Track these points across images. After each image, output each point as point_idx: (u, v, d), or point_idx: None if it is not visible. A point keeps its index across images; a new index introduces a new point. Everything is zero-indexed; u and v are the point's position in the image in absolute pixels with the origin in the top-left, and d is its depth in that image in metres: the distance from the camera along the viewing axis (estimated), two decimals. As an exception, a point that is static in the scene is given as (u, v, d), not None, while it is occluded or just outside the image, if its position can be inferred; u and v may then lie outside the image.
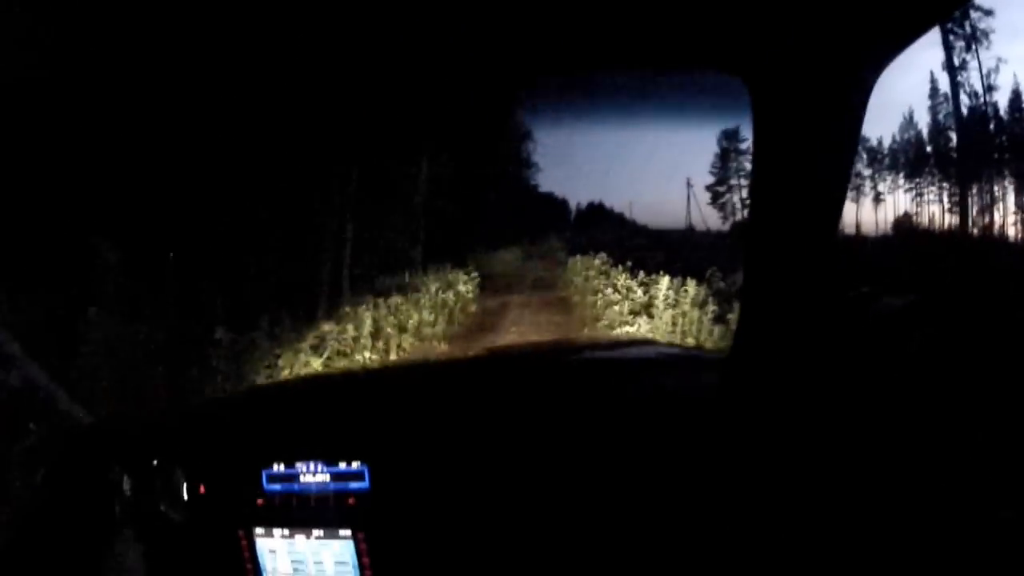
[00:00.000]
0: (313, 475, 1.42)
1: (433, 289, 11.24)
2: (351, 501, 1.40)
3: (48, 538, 1.54)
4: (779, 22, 1.11)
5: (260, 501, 1.45)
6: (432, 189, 12.63)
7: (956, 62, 14.83)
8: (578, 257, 13.88)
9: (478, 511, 1.35)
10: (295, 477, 1.43)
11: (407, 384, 1.89)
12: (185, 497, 1.48)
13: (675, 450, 1.32)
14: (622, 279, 10.93)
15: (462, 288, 11.85)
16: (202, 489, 1.48)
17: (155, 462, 1.50)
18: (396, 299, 10.14)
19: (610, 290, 10.52)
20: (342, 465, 1.41)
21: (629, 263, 11.39)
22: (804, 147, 1.18)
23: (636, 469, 1.31)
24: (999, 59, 14.52)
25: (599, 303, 10.40)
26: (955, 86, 15.00)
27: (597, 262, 12.79)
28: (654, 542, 1.28)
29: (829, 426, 1.27)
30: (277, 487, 1.44)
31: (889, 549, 1.16)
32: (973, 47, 14.63)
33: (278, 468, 1.45)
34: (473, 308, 11.72)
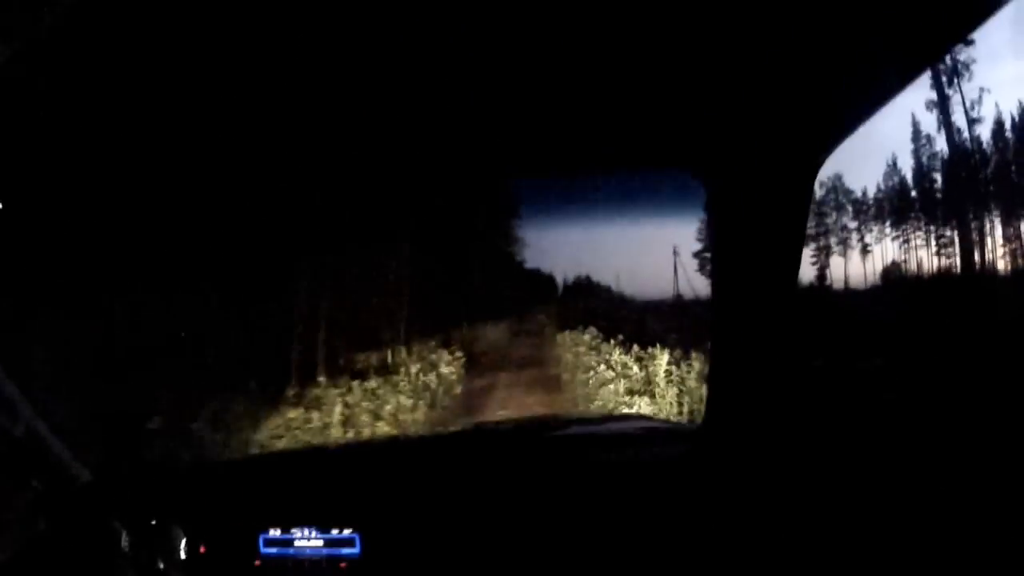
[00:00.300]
0: (307, 540, 1.53)
1: (414, 371, 10.54)
2: (343, 565, 1.51)
3: None
4: (723, 128, 1.28)
5: (257, 563, 1.55)
6: (415, 265, 12.38)
7: (938, 98, 15.19)
8: (567, 333, 13.31)
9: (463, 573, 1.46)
10: (291, 542, 1.54)
11: (398, 455, 1.98)
12: (183, 556, 1.58)
13: (648, 516, 1.43)
14: (616, 354, 10.42)
15: (445, 370, 11.17)
16: (202, 549, 1.58)
17: (153, 521, 1.60)
18: (372, 382, 9.67)
19: (603, 367, 9.88)
20: (335, 532, 1.52)
21: (621, 336, 10.96)
22: (756, 230, 1.33)
23: (613, 534, 1.42)
24: (982, 89, 14.64)
25: (592, 382, 9.73)
26: (947, 120, 15.28)
27: (587, 337, 12.23)
28: None
29: (800, 490, 1.39)
30: (273, 551, 1.54)
31: None
32: (955, 81, 14.89)
33: (274, 533, 1.55)
34: (458, 390, 11.02)
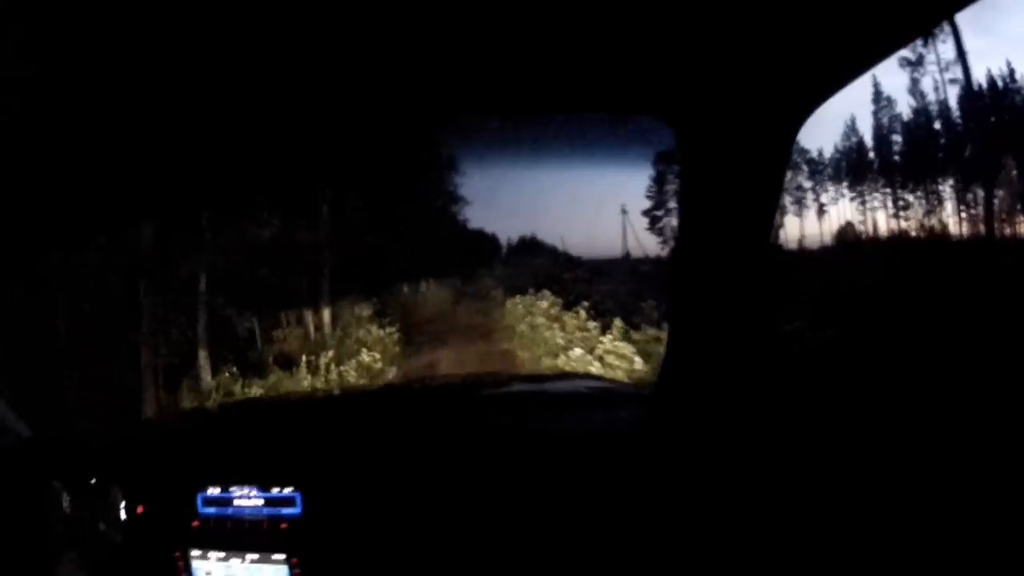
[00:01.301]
0: (247, 499, 1.58)
1: (323, 364, 9.32)
2: (284, 526, 1.55)
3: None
4: (703, 71, 1.24)
5: (196, 523, 1.59)
6: (340, 224, 11.48)
7: (912, 58, 15.36)
8: (518, 299, 12.72)
9: (407, 538, 1.50)
10: (229, 501, 1.58)
11: (339, 412, 2.03)
12: (123, 517, 1.61)
13: (596, 484, 1.46)
14: (587, 328, 9.73)
15: (366, 358, 9.80)
16: (140, 510, 1.61)
17: (93, 480, 1.63)
18: (270, 379, 8.64)
19: (578, 350, 8.99)
20: (275, 491, 1.56)
21: (586, 303, 10.47)
22: (728, 187, 1.34)
23: (564, 500, 1.46)
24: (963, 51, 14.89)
25: (566, 365, 8.63)
26: (915, 82, 15.47)
27: (544, 304, 11.71)
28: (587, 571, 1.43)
29: (752, 459, 1.43)
30: (212, 510, 1.59)
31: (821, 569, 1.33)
32: (929, 42, 15.07)
33: (213, 492, 1.59)
34: (391, 374, 9.75)
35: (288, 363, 9.41)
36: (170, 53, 1.09)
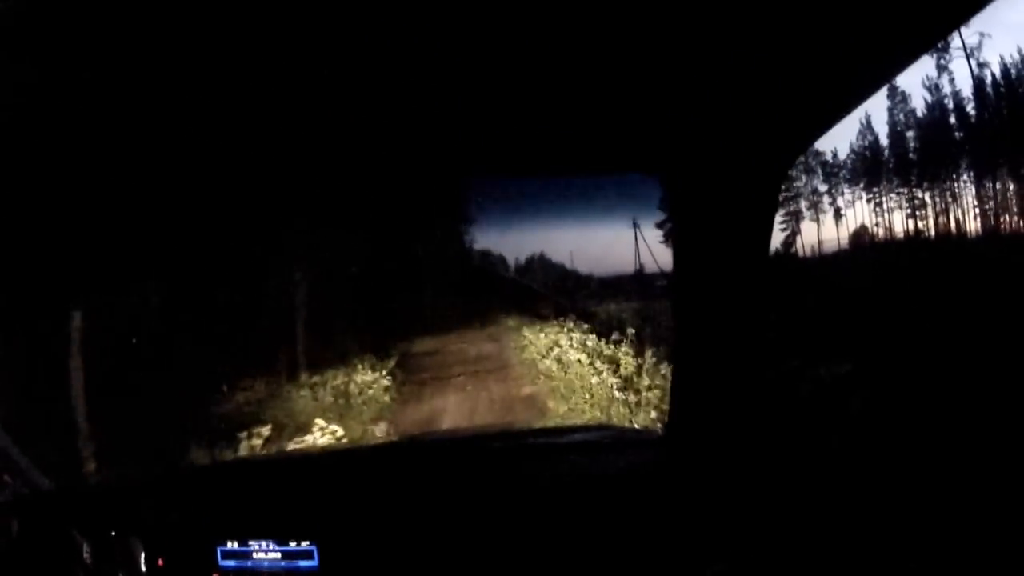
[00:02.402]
0: (265, 553, 1.66)
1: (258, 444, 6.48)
2: None
3: None
4: (686, 128, 1.32)
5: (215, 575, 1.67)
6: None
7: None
8: (539, 330, 10.51)
9: None
10: (248, 554, 1.66)
11: (354, 466, 2.09)
12: (143, 568, 1.70)
13: (615, 525, 1.52)
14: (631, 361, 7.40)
15: (319, 437, 6.36)
16: (160, 562, 1.69)
17: (113, 533, 1.72)
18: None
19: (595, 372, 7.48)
20: (292, 544, 1.64)
21: (631, 331, 7.85)
22: (720, 236, 1.41)
23: (576, 547, 1.52)
24: (982, 34, 14.60)
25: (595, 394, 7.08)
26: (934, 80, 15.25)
27: (577, 336, 9.21)
28: None
29: (759, 499, 1.48)
30: (231, 563, 1.67)
31: None
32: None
33: (232, 545, 1.67)
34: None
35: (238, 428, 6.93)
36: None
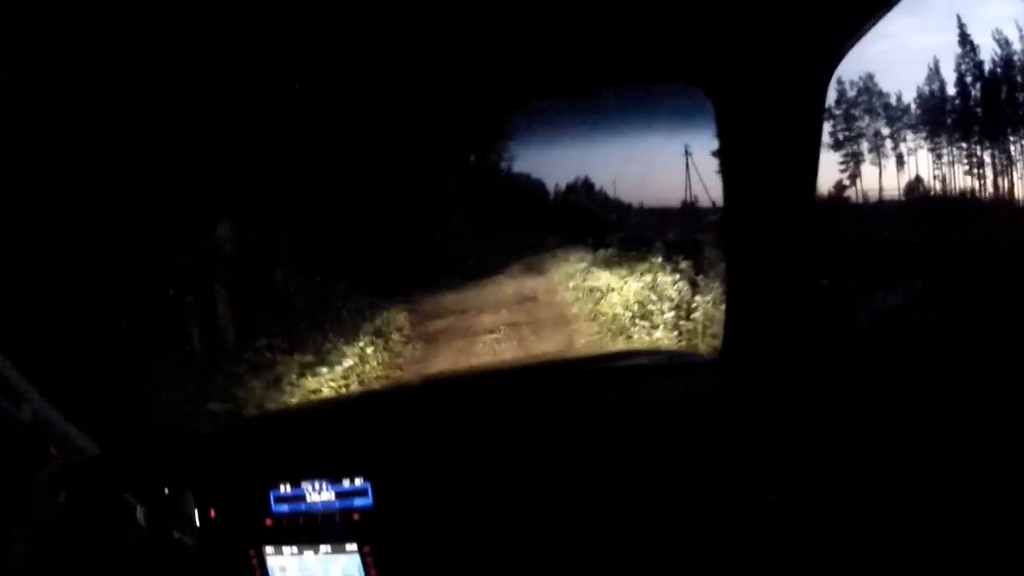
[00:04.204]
0: (319, 494, 1.67)
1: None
2: (356, 517, 1.64)
3: (69, 562, 1.75)
4: (731, 36, 1.30)
5: (269, 522, 1.69)
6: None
7: None
8: (593, 261, 8.74)
9: (479, 522, 1.57)
10: (302, 497, 1.68)
11: (407, 402, 2.10)
12: (197, 522, 1.72)
13: (670, 453, 1.52)
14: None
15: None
16: (212, 514, 1.71)
17: (166, 490, 1.73)
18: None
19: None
20: (346, 483, 1.66)
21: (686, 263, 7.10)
22: (767, 150, 1.38)
23: (632, 475, 1.52)
24: None
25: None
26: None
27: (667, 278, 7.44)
28: (654, 545, 1.50)
29: (823, 422, 1.47)
30: (285, 507, 1.69)
31: (882, 544, 1.36)
32: None
33: (285, 489, 1.69)
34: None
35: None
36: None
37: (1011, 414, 1.39)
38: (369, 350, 7.15)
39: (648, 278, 7.54)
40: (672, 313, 6.66)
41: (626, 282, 7.66)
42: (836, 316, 1.55)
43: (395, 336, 7.59)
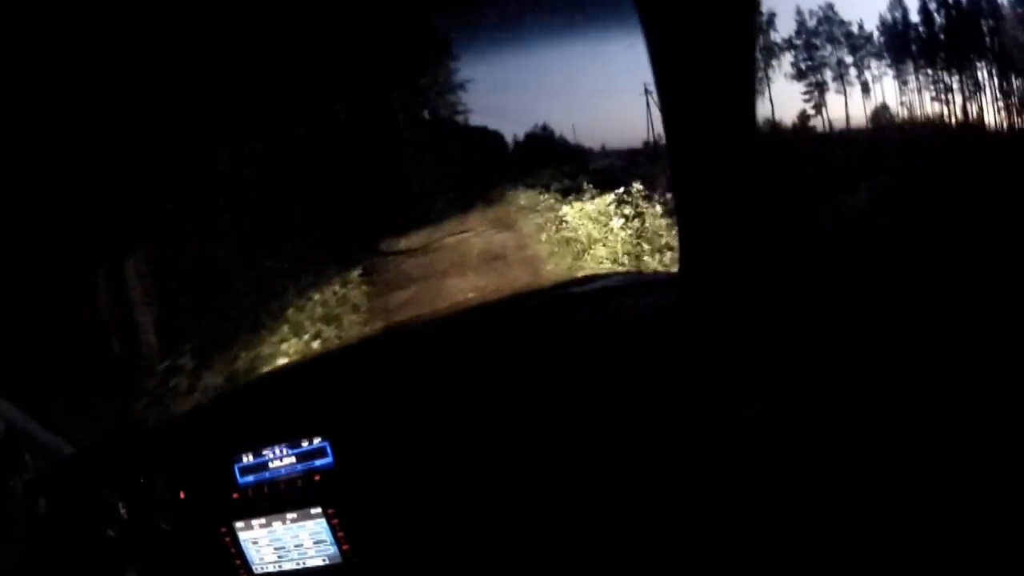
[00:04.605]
0: (280, 460, 1.64)
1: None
2: (317, 478, 1.61)
3: (56, 565, 1.74)
4: None
5: (235, 495, 1.66)
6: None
7: None
8: (575, 201, 7.64)
9: (444, 474, 1.54)
10: (264, 465, 1.65)
11: (365, 355, 2.08)
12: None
13: (639, 374, 1.48)
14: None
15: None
16: (182, 494, 1.69)
17: (141, 479, 1.71)
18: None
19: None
20: (304, 444, 1.63)
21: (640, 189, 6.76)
22: (698, 57, 1.27)
23: (602, 403, 1.47)
24: None
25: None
26: None
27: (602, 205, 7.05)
28: (632, 473, 1.46)
29: (790, 330, 1.45)
30: (251, 478, 1.66)
31: (857, 453, 1.35)
32: None
33: (248, 459, 1.66)
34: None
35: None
36: None
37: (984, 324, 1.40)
38: (316, 344, 6.52)
39: (637, 224, 6.81)
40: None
41: (610, 230, 6.95)
42: (796, 221, 1.43)
43: (350, 317, 6.98)
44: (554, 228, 7.67)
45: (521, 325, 1.80)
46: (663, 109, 1.38)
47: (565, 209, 7.54)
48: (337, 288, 7.26)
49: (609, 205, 7.01)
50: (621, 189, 7.11)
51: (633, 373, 1.48)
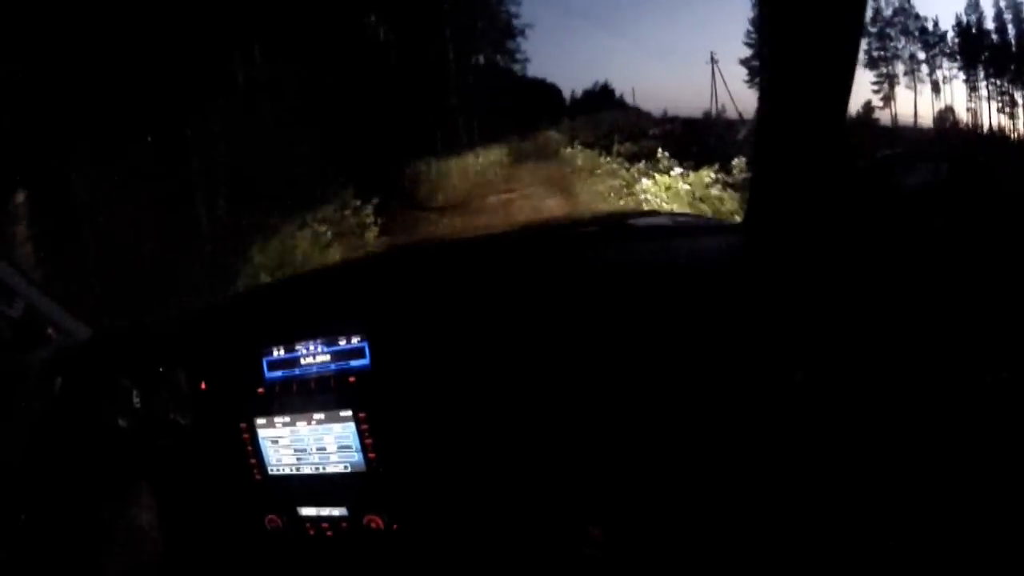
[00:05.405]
0: (313, 357, 1.57)
1: None
2: (352, 380, 1.53)
3: (65, 447, 1.72)
4: None
5: (260, 390, 1.60)
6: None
7: None
8: (655, 172, 7.04)
9: (481, 387, 1.46)
10: (295, 361, 1.58)
11: (406, 261, 1.98)
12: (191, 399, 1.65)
13: (691, 316, 1.39)
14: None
15: None
16: (203, 386, 1.64)
17: (160, 369, 1.66)
18: None
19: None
20: (342, 342, 1.55)
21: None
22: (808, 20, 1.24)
23: (649, 338, 1.39)
24: None
25: None
26: None
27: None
28: (668, 419, 1.38)
29: (851, 296, 1.35)
30: (278, 374, 1.59)
31: (903, 426, 1.28)
32: None
33: (278, 353, 1.59)
34: None
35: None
36: None
37: None
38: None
39: (716, 196, 6.07)
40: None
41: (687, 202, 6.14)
42: (866, 189, 1.44)
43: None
44: (617, 198, 7.18)
45: (576, 251, 1.69)
46: (764, 61, 1.38)
47: (645, 183, 6.96)
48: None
49: (710, 186, 6.31)
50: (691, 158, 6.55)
51: (688, 313, 1.40)
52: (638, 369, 1.39)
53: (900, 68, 15.50)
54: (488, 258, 1.75)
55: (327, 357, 1.56)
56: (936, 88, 15.83)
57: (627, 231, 1.80)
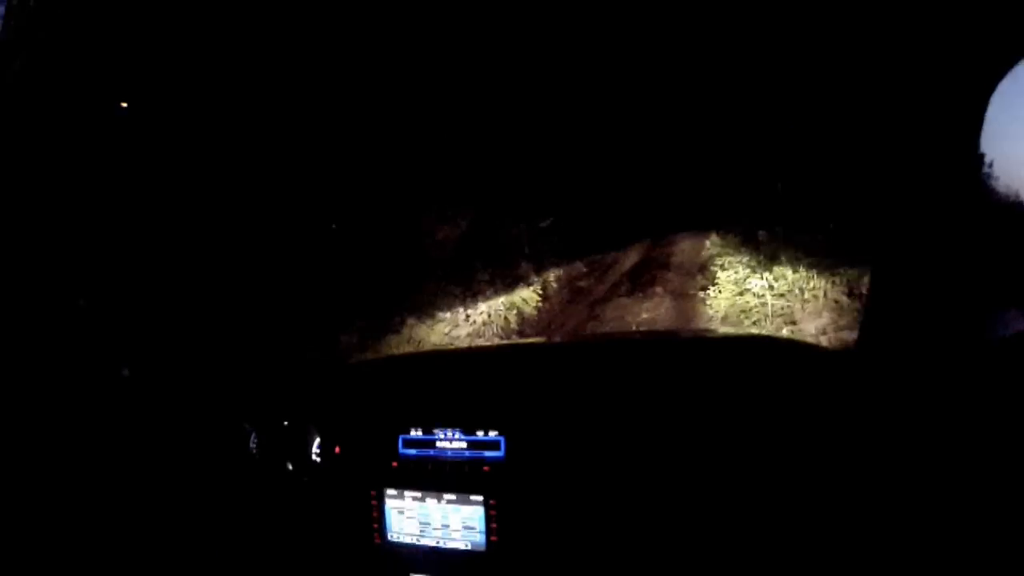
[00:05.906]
0: (450, 442, 1.70)
1: None
2: (486, 468, 1.66)
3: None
4: None
5: (395, 464, 1.74)
6: None
7: None
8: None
9: (606, 485, 1.57)
10: (431, 443, 1.72)
11: (539, 359, 2.11)
12: (315, 457, 1.83)
13: (799, 442, 1.49)
14: None
15: None
16: (337, 450, 1.80)
17: (286, 423, 1.84)
18: None
19: None
20: (479, 434, 1.68)
21: None
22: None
23: (758, 457, 1.49)
24: None
25: None
26: None
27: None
28: (773, 526, 1.47)
29: (953, 431, 1.39)
30: (412, 452, 1.73)
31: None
32: None
33: (415, 433, 1.73)
34: None
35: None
36: None
37: None
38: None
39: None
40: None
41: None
42: (983, 318, 1.48)
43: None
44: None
45: (695, 363, 1.81)
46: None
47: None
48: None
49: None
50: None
51: (794, 441, 1.50)
52: (750, 482, 1.49)
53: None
54: (619, 366, 1.84)
55: (463, 445, 1.69)
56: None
57: (744, 355, 1.89)
